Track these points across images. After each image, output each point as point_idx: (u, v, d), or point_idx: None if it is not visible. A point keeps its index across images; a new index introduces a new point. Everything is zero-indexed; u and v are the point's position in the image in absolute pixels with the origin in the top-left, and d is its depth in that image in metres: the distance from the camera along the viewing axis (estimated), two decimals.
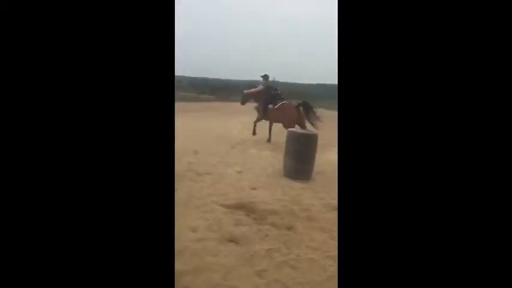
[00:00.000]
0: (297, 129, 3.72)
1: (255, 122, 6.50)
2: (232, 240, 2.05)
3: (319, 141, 3.82)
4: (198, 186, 3.11)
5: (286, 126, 5.67)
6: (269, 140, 6.13)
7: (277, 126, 6.03)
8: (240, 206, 2.61)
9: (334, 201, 2.79)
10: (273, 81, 6.45)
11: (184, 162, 3.97)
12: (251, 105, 6.78)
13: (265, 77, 6.65)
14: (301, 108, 5.89)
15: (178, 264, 1.72)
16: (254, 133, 6.46)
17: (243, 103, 6.86)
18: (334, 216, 2.51)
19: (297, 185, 3.34)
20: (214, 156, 4.45)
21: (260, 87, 6.58)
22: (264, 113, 6.30)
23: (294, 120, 5.74)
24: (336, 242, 1.97)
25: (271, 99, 6.21)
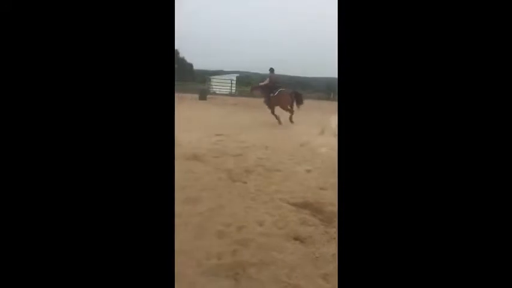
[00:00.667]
0: None
1: (273, 113, 8.20)
2: (298, 239, 2.04)
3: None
4: (267, 182, 3.17)
5: (283, 107, 8.17)
6: (280, 123, 7.90)
7: None
8: (307, 205, 2.58)
9: None
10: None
11: (254, 157, 4.08)
12: (313, 103, 7.86)
13: (272, 70, 8.52)
14: (293, 95, 8.25)
15: (244, 256, 1.78)
16: (279, 122, 7.97)
17: (252, 93, 9.69)
18: None
19: None
20: (284, 153, 4.48)
21: (266, 80, 8.51)
22: (268, 101, 8.32)
23: (288, 103, 8.16)
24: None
25: (273, 89, 8.27)
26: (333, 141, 5.70)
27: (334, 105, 7.97)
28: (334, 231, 2.18)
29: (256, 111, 10.29)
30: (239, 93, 19.79)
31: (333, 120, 7.19)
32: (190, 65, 34.04)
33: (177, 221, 2.15)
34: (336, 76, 0.94)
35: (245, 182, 3.13)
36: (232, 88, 20.72)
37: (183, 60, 33.63)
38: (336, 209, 2.53)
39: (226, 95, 18.69)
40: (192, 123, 6.86)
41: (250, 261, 1.72)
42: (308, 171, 3.69)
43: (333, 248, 1.94)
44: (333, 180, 3.38)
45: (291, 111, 8.18)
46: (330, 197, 2.81)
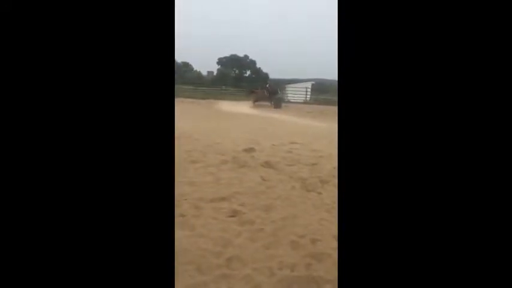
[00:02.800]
0: None
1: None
2: None
3: None
4: None
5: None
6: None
7: None
8: None
9: None
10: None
11: (330, 167, 3.93)
12: None
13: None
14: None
15: (319, 271, 1.70)
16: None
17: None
18: None
19: None
20: None
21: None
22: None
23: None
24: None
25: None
26: None
27: None
28: None
29: (332, 119, 9.98)
30: (314, 100, 19.51)
31: None
32: (266, 74, 35.00)
33: (250, 227, 2.19)
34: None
35: (320, 193, 3.02)
36: (307, 96, 20.55)
37: (259, 70, 34.80)
38: None
39: (301, 103, 18.63)
40: (266, 131, 6.98)
41: (325, 278, 1.63)
42: None
43: None
44: None
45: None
46: None
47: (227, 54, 34.59)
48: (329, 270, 1.70)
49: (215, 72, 34.87)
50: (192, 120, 7.69)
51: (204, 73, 35.30)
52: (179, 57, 34.12)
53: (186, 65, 35.17)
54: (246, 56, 34.63)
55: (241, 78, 33.35)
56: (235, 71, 34.48)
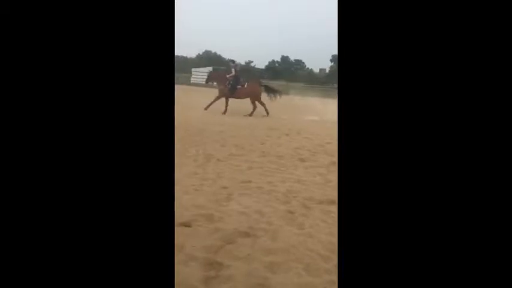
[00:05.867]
0: None
1: (216, 101, 8.89)
2: None
3: None
4: None
5: (253, 100, 8.94)
6: (225, 112, 8.58)
7: None
8: None
9: None
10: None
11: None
12: None
13: (233, 61, 9.52)
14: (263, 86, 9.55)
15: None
16: (225, 112, 8.65)
17: (206, 82, 10.68)
18: None
19: None
20: None
21: (234, 72, 9.17)
22: (232, 92, 8.96)
23: (259, 95, 9.07)
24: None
25: (237, 81, 9.06)
26: None
27: None
28: None
29: None
30: None
31: None
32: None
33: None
34: None
35: None
36: None
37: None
38: None
39: None
40: None
41: None
42: None
43: None
44: None
45: (263, 104, 8.97)
46: None
47: None
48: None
49: (327, 70, 34.23)
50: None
51: (316, 70, 35.13)
52: (293, 55, 34.90)
53: (298, 62, 35.67)
54: None
55: None
56: None
